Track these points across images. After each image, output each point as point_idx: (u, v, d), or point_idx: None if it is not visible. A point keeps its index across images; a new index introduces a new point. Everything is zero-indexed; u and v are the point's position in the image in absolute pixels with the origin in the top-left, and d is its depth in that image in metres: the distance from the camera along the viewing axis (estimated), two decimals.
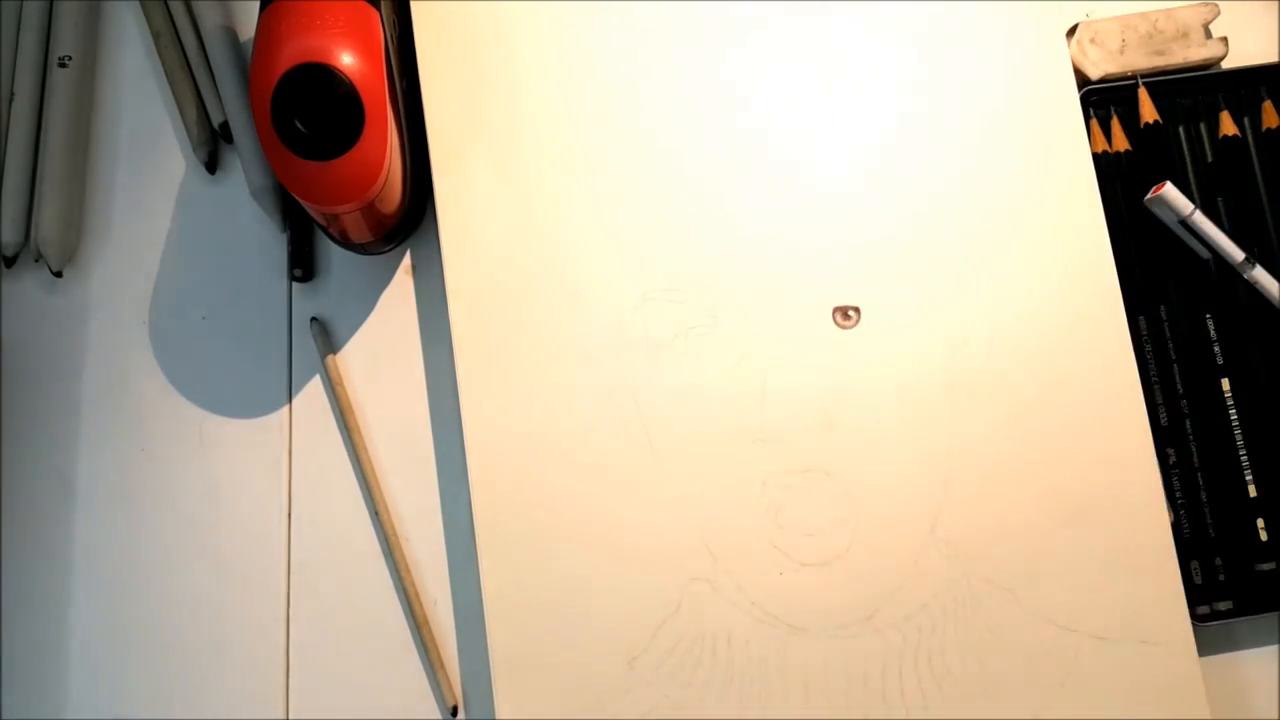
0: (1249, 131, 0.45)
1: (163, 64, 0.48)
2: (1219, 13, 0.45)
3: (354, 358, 0.45)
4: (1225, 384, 0.43)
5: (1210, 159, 0.44)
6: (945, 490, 0.41)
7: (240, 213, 0.47)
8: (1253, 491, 0.42)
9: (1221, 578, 0.41)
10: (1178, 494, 0.42)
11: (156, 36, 0.48)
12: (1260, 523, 0.42)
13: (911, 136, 0.43)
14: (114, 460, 0.45)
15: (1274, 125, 0.44)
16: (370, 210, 0.41)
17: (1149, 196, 0.42)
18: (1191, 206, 0.42)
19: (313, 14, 0.39)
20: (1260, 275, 0.42)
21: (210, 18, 0.47)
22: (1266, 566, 0.41)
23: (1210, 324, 0.43)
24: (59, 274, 0.46)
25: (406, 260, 0.46)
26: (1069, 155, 0.43)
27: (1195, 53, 0.45)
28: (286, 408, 0.45)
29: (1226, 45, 0.45)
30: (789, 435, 0.41)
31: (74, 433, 0.45)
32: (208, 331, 0.46)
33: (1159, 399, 0.43)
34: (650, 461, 0.41)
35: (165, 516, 0.44)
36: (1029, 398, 0.41)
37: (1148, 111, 0.44)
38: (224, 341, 0.46)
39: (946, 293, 0.42)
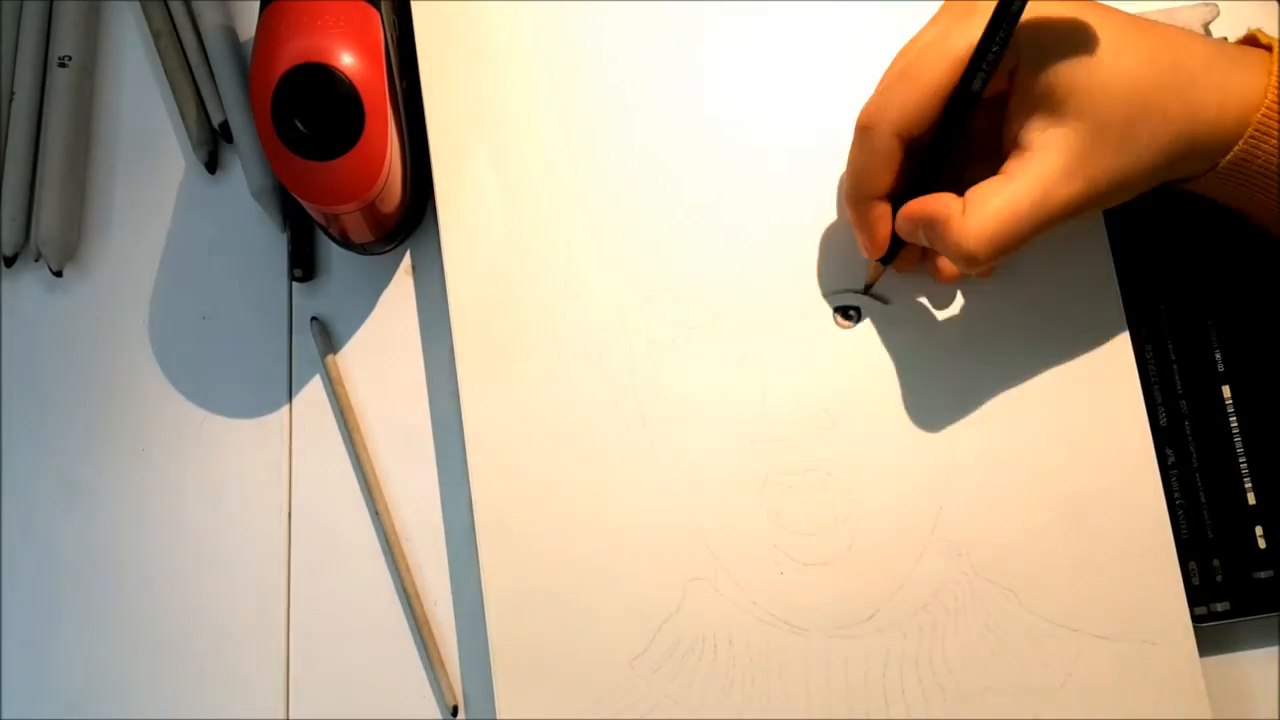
0: None
1: (163, 64, 0.48)
2: (1219, 13, 0.45)
3: (354, 358, 0.45)
4: (1226, 391, 0.42)
5: None
6: (946, 490, 0.41)
7: (240, 213, 0.47)
8: (1251, 499, 0.42)
9: (1219, 579, 0.41)
10: (1176, 495, 0.42)
11: (156, 36, 0.48)
12: (1259, 530, 0.42)
13: None
14: (114, 460, 0.45)
15: None
16: (370, 210, 0.41)
17: None
18: None
19: (313, 14, 0.39)
20: None
21: (210, 18, 0.47)
22: (1265, 574, 0.41)
23: (1212, 330, 0.43)
24: (59, 274, 0.46)
25: (406, 260, 0.46)
26: None
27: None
28: (286, 408, 0.45)
29: None
30: (790, 435, 0.41)
31: (74, 433, 0.46)
32: (208, 331, 0.46)
33: (1159, 399, 0.43)
34: (651, 461, 0.41)
35: (165, 516, 0.44)
36: (1029, 397, 0.41)
37: None
38: (224, 341, 0.46)
39: (946, 293, 0.42)
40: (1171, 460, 0.42)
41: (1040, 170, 0.34)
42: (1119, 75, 0.34)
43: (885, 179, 0.37)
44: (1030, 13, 0.34)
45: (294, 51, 0.39)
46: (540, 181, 0.43)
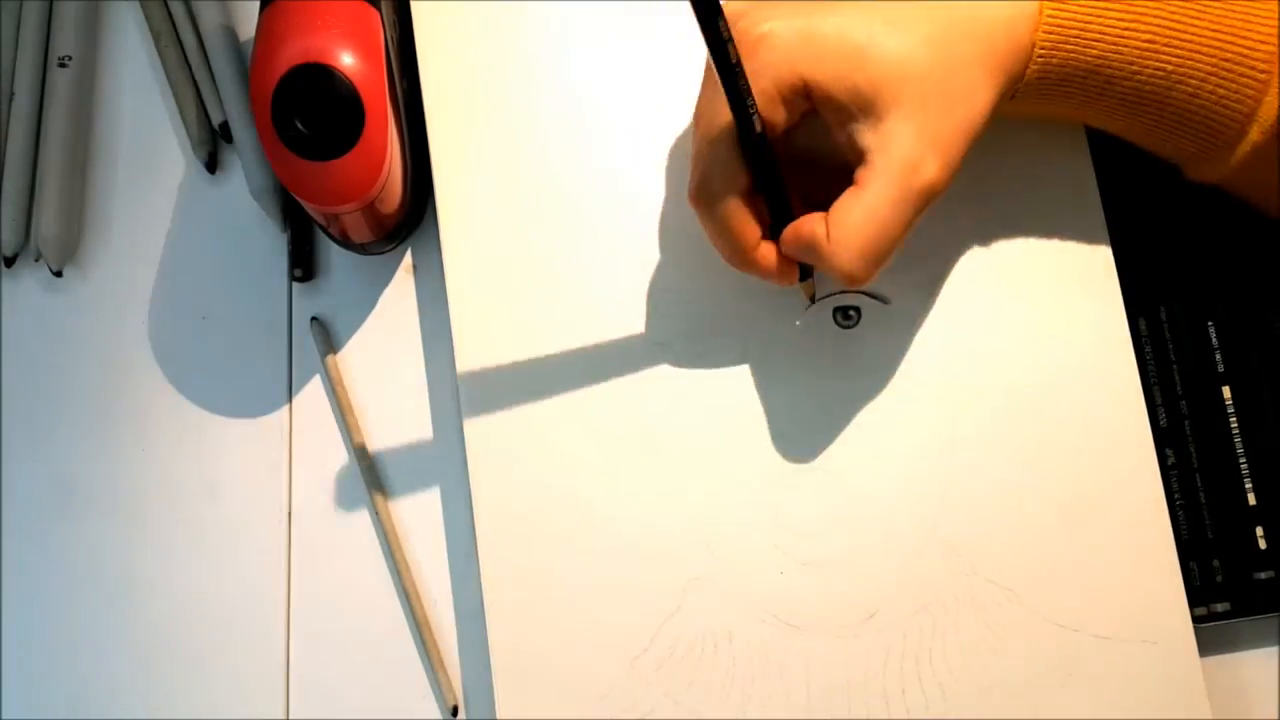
0: None
1: (163, 64, 0.48)
2: None
3: (354, 358, 0.45)
4: (1226, 391, 0.42)
5: None
6: (946, 490, 0.41)
7: (240, 213, 0.47)
8: (1252, 500, 0.42)
9: (1219, 579, 0.41)
10: (1176, 495, 0.42)
11: (156, 36, 0.48)
12: (1259, 531, 0.42)
13: None
14: (114, 460, 0.45)
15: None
16: (370, 210, 0.41)
17: None
18: None
19: (313, 14, 0.39)
20: None
21: (210, 18, 0.47)
22: (1265, 575, 0.41)
23: (1212, 331, 0.43)
24: (59, 274, 0.46)
25: (406, 260, 0.46)
26: (1069, 155, 0.43)
27: None
28: (286, 408, 0.45)
29: None
30: (789, 435, 0.41)
31: (74, 433, 0.46)
32: (208, 331, 0.46)
33: (1158, 399, 0.43)
34: (651, 461, 0.41)
35: (165, 516, 0.44)
36: (1029, 397, 0.41)
37: None
38: (224, 341, 0.46)
39: (946, 293, 0.42)
40: (1171, 461, 0.42)
41: (889, 169, 0.34)
42: (908, 48, 0.34)
43: (751, 233, 0.36)
44: (793, 30, 0.34)
45: (294, 51, 0.39)
46: (541, 181, 0.43)
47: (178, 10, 0.47)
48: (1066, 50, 0.35)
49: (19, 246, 0.47)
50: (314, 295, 0.46)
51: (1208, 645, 0.41)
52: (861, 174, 0.35)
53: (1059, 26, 0.35)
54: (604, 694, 0.40)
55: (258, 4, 0.40)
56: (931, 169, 0.34)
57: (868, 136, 0.34)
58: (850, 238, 0.34)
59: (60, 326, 0.47)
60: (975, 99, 0.35)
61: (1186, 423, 0.42)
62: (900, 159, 0.34)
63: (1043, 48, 0.35)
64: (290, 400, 0.45)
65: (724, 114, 0.35)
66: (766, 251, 0.37)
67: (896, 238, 0.35)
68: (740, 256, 0.37)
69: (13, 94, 0.47)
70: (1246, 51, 0.35)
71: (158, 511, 0.45)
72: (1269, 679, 0.41)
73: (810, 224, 0.35)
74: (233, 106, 0.46)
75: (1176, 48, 0.35)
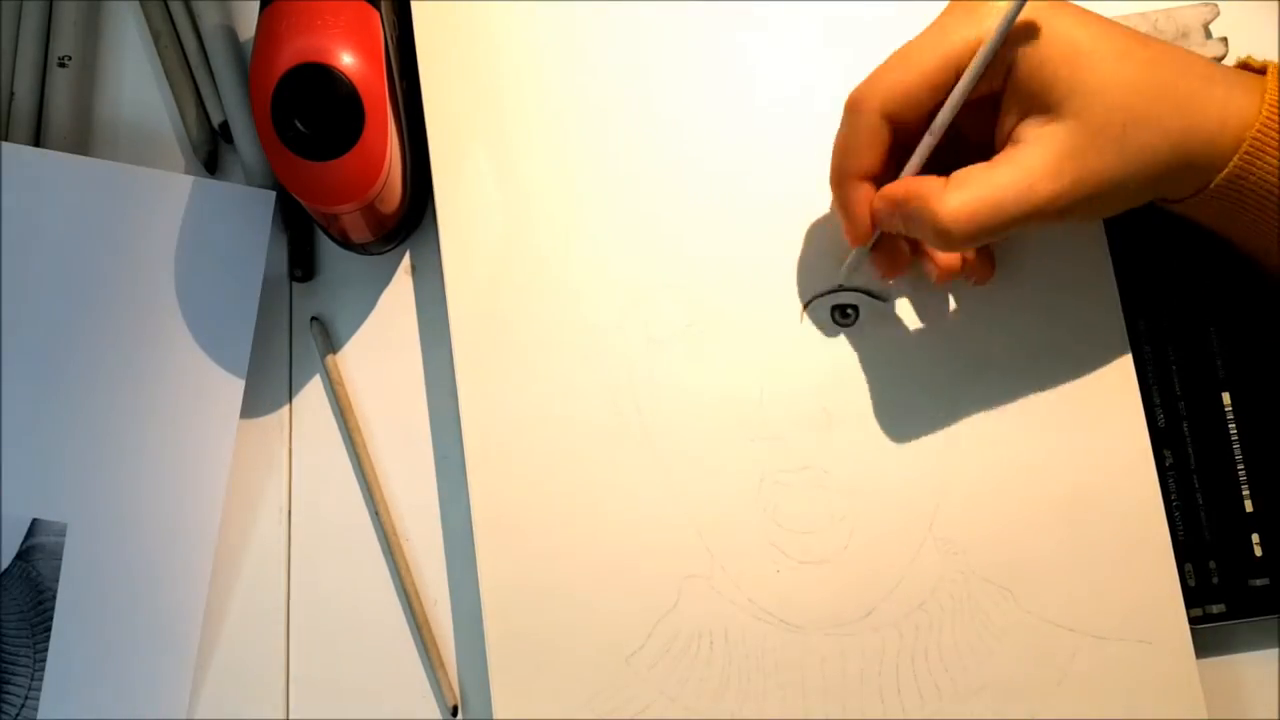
0: None
1: (163, 64, 0.48)
2: (1219, 13, 0.45)
3: (354, 358, 0.46)
4: (1226, 398, 0.42)
5: None
6: (943, 488, 0.41)
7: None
8: (1249, 506, 0.42)
9: (1215, 580, 0.41)
10: (1173, 497, 0.42)
11: (156, 36, 0.48)
12: (1255, 538, 0.42)
13: None
14: None
15: None
16: (370, 210, 0.41)
17: None
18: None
19: (313, 14, 0.39)
20: None
21: (210, 18, 0.47)
22: (1260, 582, 0.41)
23: (1213, 336, 0.43)
24: None
25: (406, 260, 0.46)
26: None
27: (1195, 53, 0.45)
28: (286, 408, 0.45)
29: (1226, 45, 0.45)
30: (787, 433, 0.41)
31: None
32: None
33: (1156, 400, 0.43)
34: (648, 459, 0.41)
35: None
36: (1027, 396, 0.41)
37: None
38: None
39: (945, 292, 0.42)
40: (1170, 462, 0.42)
41: (1029, 163, 0.35)
42: (1119, 81, 0.34)
43: (868, 157, 0.37)
44: (1028, 13, 0.34)
45: (294, 51, 0.39)
46: (540, 181, 0.43)
47: (178, 10, 0.47)
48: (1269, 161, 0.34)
49: None
50: (314, 295, 0.46)
51: (1204, 647, 0.41)
52: (1001, 157, 0.35)
53: (1269, 137, 0.34)
54: (600, 691, 0.40)
55: (258, 4, 0.40)
56: (1055, 186, 0.34)
57: (1030, 129, 0.35)
58: (967, 199, 0.35)
59: None
60: (1138, 162, 0.35)
61: (1185, 424, 0.43)
62: (1043, 159, 0.34)
63: (1250, 149, 0.34)
64: (290, 400, 0.45)
65: (941, 48, 0.35)
66: (864, 190, 0.38)
67: (1003, 224, 0.35)
68: (843, 174, 0.38)
69: (13, 94, 0.47)
70: None
71: None
72: (1265, 680, 0.41)
73: (924, 179, 0.36)
74: (233, 106, 0.46)
75: None
